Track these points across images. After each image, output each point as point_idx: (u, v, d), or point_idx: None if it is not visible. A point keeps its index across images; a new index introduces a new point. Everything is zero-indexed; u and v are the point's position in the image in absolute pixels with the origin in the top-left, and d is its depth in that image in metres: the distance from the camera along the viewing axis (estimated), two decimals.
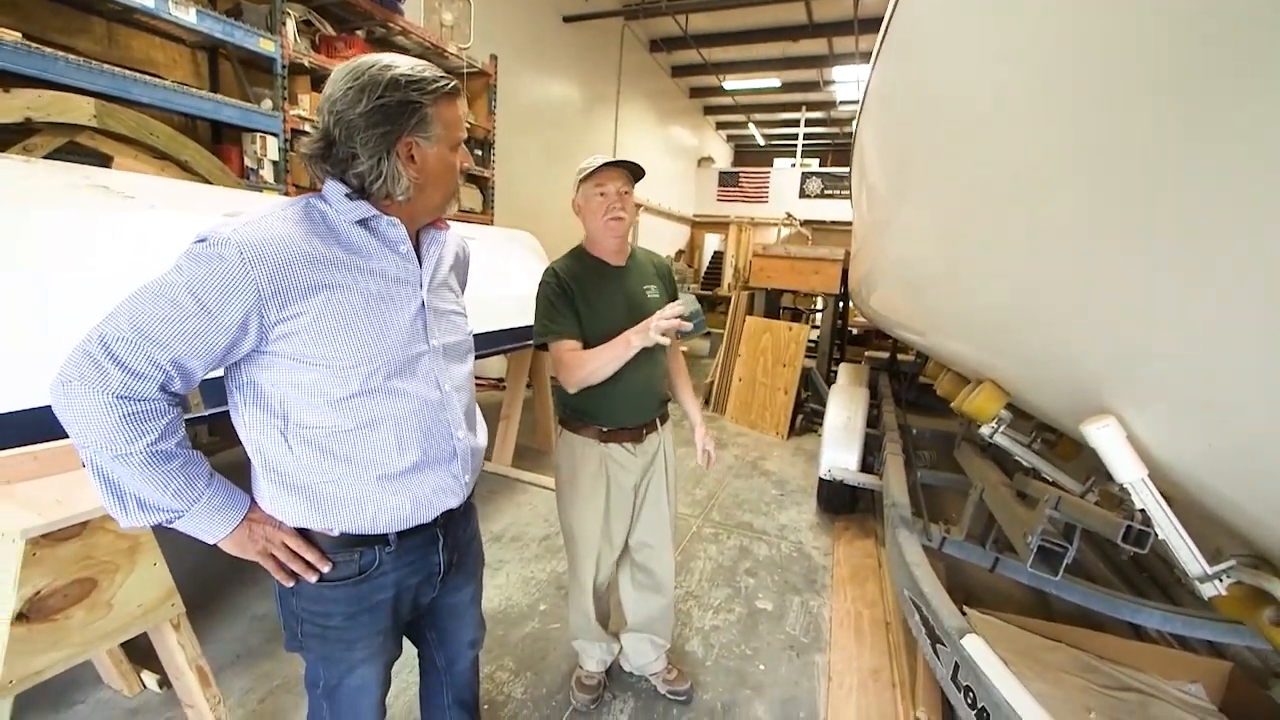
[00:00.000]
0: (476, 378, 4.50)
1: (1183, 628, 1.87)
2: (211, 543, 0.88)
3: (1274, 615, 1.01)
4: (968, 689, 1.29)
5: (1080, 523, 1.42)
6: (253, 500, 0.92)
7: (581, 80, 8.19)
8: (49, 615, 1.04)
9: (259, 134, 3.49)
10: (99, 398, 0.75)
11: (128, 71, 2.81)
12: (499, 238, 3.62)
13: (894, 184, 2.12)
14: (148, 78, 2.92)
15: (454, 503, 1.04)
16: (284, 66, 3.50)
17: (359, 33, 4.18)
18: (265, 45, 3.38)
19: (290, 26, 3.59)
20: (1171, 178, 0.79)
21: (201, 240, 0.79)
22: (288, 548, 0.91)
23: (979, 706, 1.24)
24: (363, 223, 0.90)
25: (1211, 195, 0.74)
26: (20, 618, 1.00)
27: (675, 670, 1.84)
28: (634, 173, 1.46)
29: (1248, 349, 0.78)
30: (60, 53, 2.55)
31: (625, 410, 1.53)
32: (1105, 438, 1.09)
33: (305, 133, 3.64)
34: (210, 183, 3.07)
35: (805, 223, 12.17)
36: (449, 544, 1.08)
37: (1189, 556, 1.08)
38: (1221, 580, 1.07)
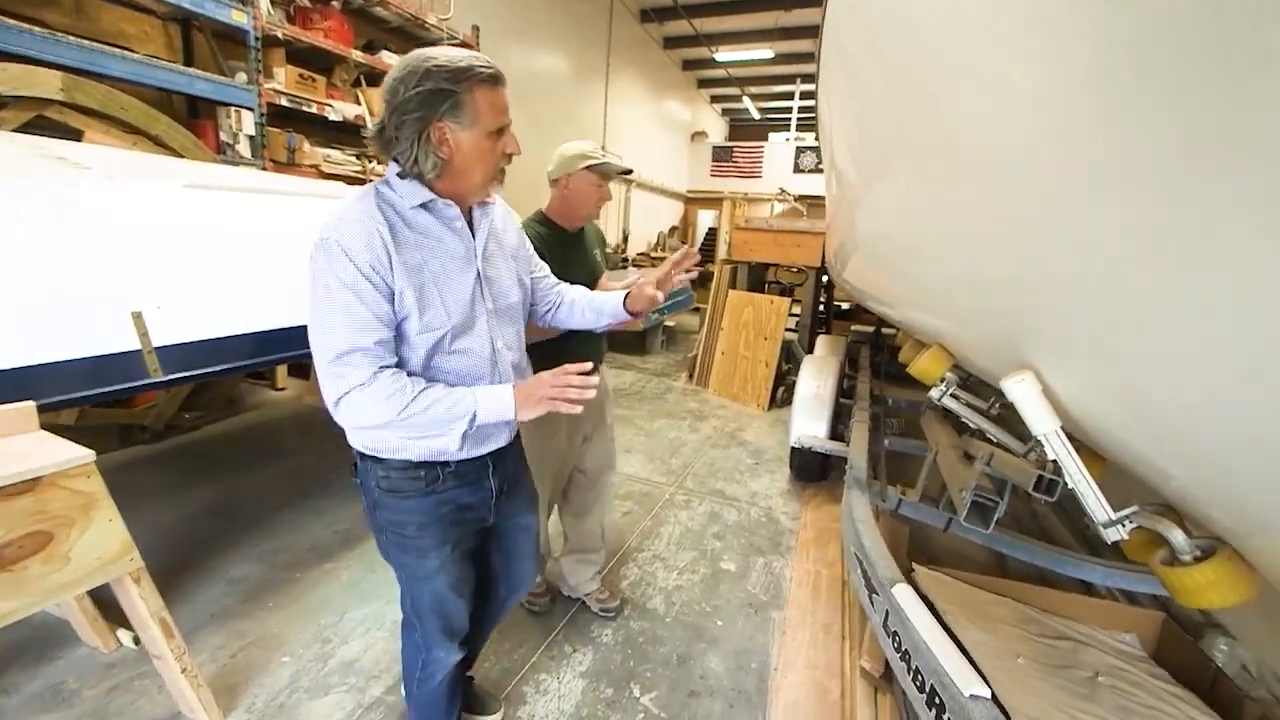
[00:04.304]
0: None
1: (1123, 581, 1.94)
2: (513, 416, 1.07)
3: (1166, 556, 1.06)
4: (894, 634, 1.35)
5: (1006, 476, 1.47)
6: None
7: (570, 52, 8.07)
8: (5, 566, 1.09)
9: (234, 108, 3.47)
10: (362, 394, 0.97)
11: (97, 44, 2.80)
12: None
13: (852, 155, 2.13)
14: (118, 50, 2.90)
15: (502, 442, 1.22)
16: (257, 39, 3.47)
17: (334, 3, 4.12)
18: (237, 17, 3.35)
19: None
20: (1088, 153, 0.82)
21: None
22: (558, 380, 1.06)
23: (903, 649, 1.31)
24: (423, 206, 1.04)
25: (1119, 168, 0.77)
26: None
27: (606, 590, 2.09)
28: None
29: (1156, 301, 0.81)
30: (27, 25, 2.54)
31: (579, 351, 1.69)
32: (1021, 391, 1.14)
33: (280, 105, 3.63)
34: (184, 157, 3.07)
35: (800, 198, 12.06)
36: (499, 472, 1.23)
37: (1095, 504, 1.14)
38: (1124, 526, 1.12)
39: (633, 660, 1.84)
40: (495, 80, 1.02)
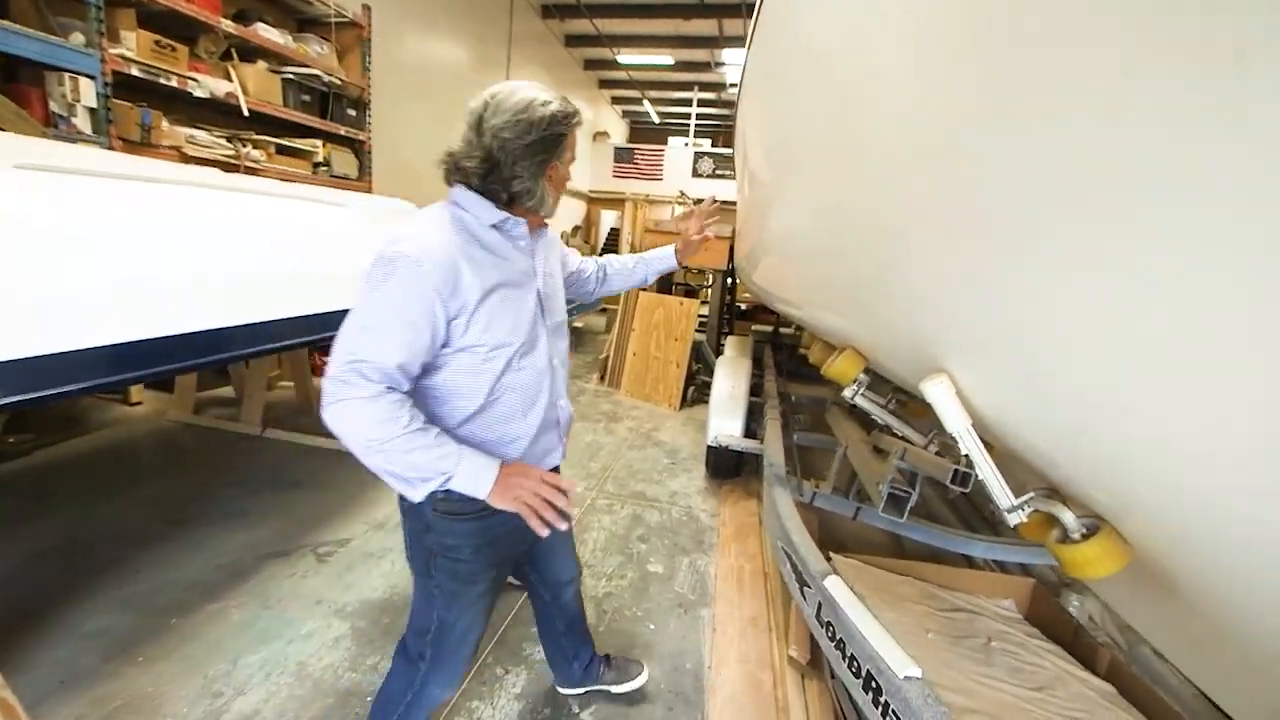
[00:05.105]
0: None
1: (1001, 554, 2.21)
2: (483, 496, 1.01)
3: (1059, 535, 1.21)
4: (828, 624, 1.43)
5: (920, 470, 1.61)
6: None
7: (469, 43, 7.72)
8: None
9: (68, 74, 2.95)
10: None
11: None
12: (380, 208, 3.35)
13: (771, 165, 2.23)
14: None
15: (557, 460, 1.26)
16: None
17: None
18: None
19: None
20: (988, 166, 0.91)
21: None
22: (543, 491, 1.03)
23: (837, 639, 1.39)
24: (495, 225, 1.08)
25: (1019, 185, 0.86)
26: None
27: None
28: None
29: (1047, 314, 0.92)
30: None
31: None
32: (938, 393, 1.25)
33: (131, 75, 3.13)
34: (2, 130, 2.55)
35: (698, 202, 12.45)
36: None
37: (1000, 492, 1.27)
38: (1024, 510, 1.26)
39: None
40: (581, 121, 1.13)
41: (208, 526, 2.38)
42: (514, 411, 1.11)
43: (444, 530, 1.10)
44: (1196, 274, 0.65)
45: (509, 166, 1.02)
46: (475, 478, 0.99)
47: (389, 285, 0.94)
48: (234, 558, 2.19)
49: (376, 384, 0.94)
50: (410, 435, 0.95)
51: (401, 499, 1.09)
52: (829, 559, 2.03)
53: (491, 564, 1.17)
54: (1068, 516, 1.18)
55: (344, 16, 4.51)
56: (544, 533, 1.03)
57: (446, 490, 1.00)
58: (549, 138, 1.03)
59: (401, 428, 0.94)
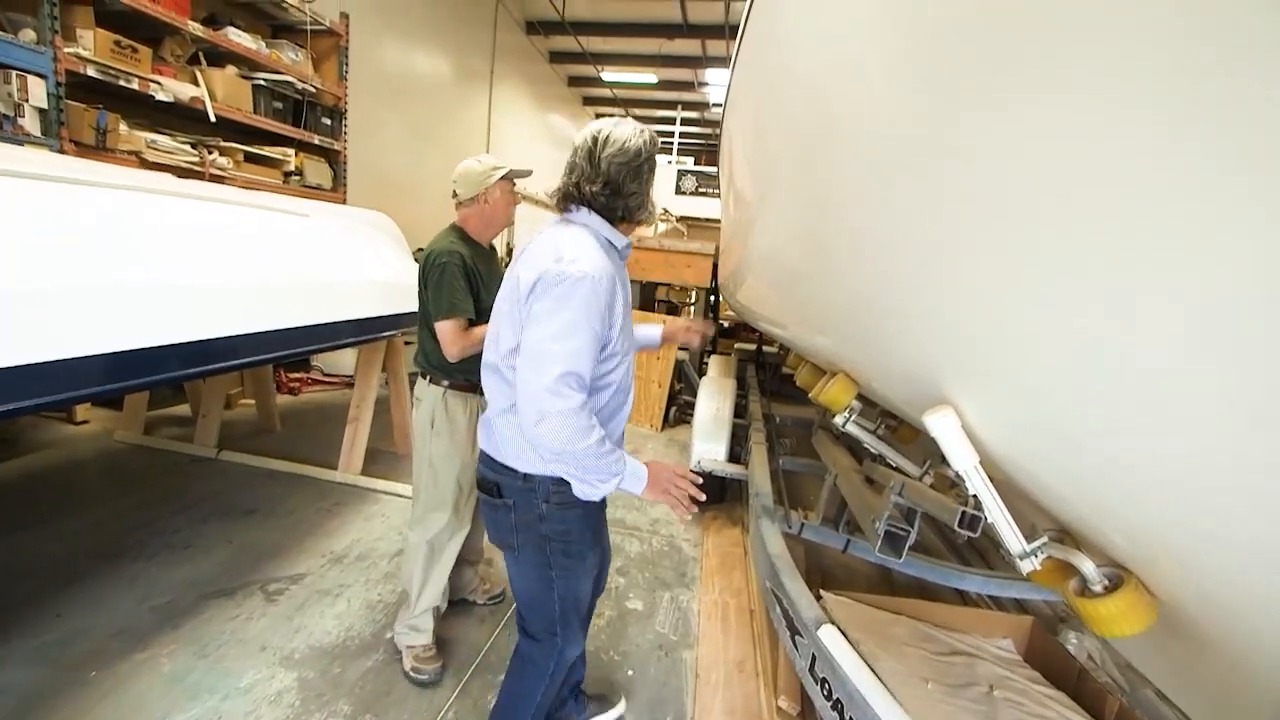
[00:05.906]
0: (324, 375, 4.06)
1: (996, 589, 2.11)
2: (639, 492, 1.20)
3: (1078, 585, 1.11)
4: (824, 681, 1.30)
5: (920, 507, 1.50)
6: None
7: (452, 55, 7.64)
8: None
9: (16, 72, 2.77)
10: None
11: None
12: (350, 218, 3.20)
13: (756, 182, 2.15)
14: None
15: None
16: None
17: None
18: None
19: None
20: (994, 187, 0.82)
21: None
22: (680, 482, 1.22)
23: (834, 698, 1.26)
24: (618, 248, 1.29)
25: (1028, 207, 0.77)
26: None
27: (487, 581, 2.21)
28: None
29: (1062, 347, 0.83)
30: None
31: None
32: (944, 427, 1.14)
33: (88, 76, 2.95)
34: None
35: (681, 219, 12.48)
36: None
37: (1011, 536, 1.16)
38: (1037, 556, 1.16)
39: None
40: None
41: (145, 561, 2.17)
42: (619, 406, 1.30)
43: (557, 519, 1.26)
44: (1225, 302, 0.59)
45: (627, 184, 1.24)
46: (636, 478, 1.19)
47: (576, 301, 1.10)
48: (171, 597, 1.99)
49: (579, 393, 1.09)
50: (598, 444, 1.11)
51: (505, 494, 1.27)
52: (819, 597, 1.91)
53: (596, 543, 1.37)
54: (1088, 566, 1.07)
55: (321, 24, 4.38)
56: (688, 517, 1.29)
57: (559, 483, 1.22)
58: (652, 159, 1.28)
59: (595, 437, 1.10)
